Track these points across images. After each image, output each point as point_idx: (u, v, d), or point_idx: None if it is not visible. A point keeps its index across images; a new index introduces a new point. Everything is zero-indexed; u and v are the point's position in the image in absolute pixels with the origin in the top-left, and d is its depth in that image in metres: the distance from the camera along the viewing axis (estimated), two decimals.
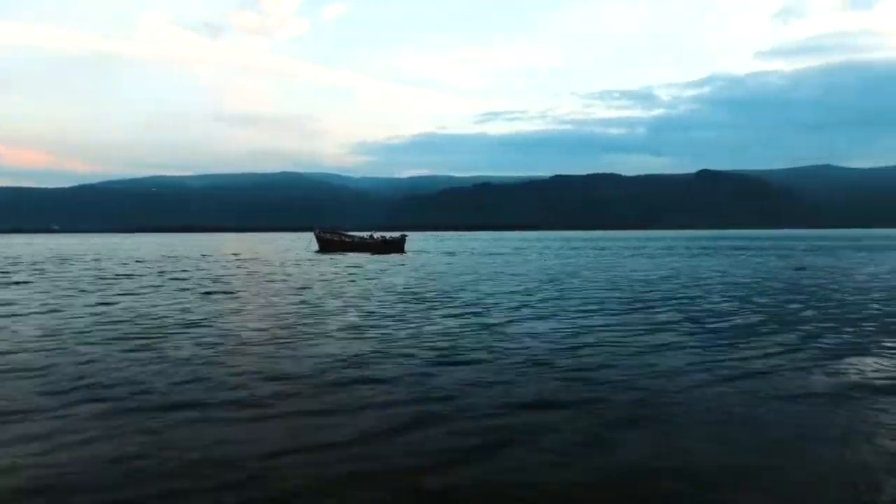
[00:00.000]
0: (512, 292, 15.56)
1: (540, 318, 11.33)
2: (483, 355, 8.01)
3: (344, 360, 7.65)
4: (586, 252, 42.05)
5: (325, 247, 42.80)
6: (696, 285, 17.57)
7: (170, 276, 21.62)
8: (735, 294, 15.21)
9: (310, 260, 32.38)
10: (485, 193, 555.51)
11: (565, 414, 5.58)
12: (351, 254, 37.27)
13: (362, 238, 42.57)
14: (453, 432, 5.09)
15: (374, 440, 4.91)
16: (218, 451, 4.65)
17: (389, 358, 7.84)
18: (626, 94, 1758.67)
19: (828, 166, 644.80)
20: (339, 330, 9.99)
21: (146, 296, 14.91)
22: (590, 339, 9.15)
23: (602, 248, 48.92)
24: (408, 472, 4.31)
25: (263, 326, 10.37)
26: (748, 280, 19.29)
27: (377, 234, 44.33)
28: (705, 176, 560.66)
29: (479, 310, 12.32)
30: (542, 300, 13.93)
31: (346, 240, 42.93)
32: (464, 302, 13.65)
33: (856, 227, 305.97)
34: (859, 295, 14.76)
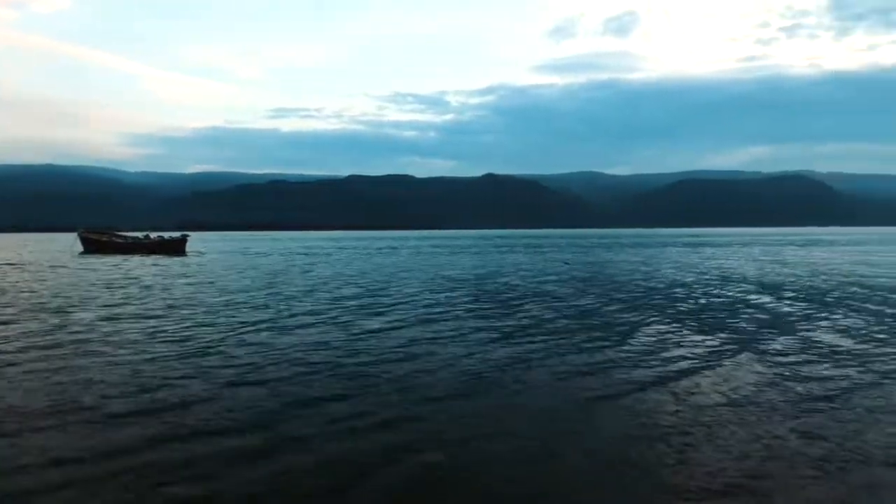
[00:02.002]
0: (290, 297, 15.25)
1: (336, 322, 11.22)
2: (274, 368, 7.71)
3: (125, 385, 6.88)
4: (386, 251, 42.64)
5: (92, 248, 38.47)
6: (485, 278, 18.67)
7: None
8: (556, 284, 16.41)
9: (66, 265, 28.82)
10: (280, 192, 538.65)
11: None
12: (122, 256, 33.90)
13: (136, 238, 38.94)
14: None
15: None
16: None
17: (185, 378, 7.23)
18: (418, 98, 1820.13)
19: (594, 172, 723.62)
20: (99, 350, 9.01)
21: None
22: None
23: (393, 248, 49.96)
24: None
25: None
26: (533, 271, 20.98)
27: (154, 234, 40.86)
28: (490, 179, 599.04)
29: (262, 315, 11.88)
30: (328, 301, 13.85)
31: (117, 240, 38.97)
32: (248, 307, 13.08)
33: (619, 227, 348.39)
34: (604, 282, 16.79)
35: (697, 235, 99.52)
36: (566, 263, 27.61)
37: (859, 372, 7.07)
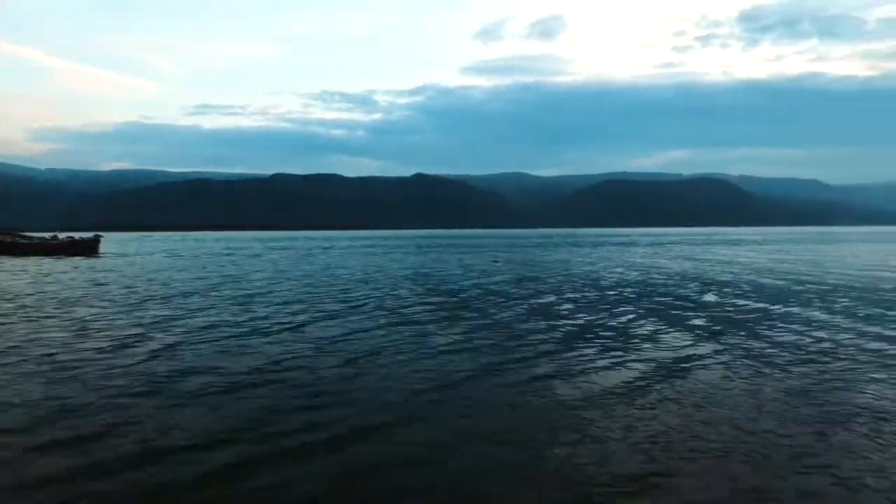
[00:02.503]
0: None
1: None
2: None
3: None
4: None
5: None
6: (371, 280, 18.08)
7: None
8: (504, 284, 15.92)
9: None
10: (203, 190, 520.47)
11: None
12: (28, 258, 31.36)
13: (43, 239, 36.23)
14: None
15: None
16: None
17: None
18: (346, 97, 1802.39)
19: (522, 173, 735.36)
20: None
21: None
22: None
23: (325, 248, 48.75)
24: None
25: None
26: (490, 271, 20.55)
27: (63, 235, 38.17)
28: (419, 179, 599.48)
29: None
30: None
31: (22, 241, 36.11)
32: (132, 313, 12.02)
33: (547, 227, 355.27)
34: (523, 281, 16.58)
35: (626, 235, 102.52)
36: (496, 262, 27.92)
37: (813, 372, 6.94)
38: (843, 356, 7.62)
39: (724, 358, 7.58)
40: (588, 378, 6.66)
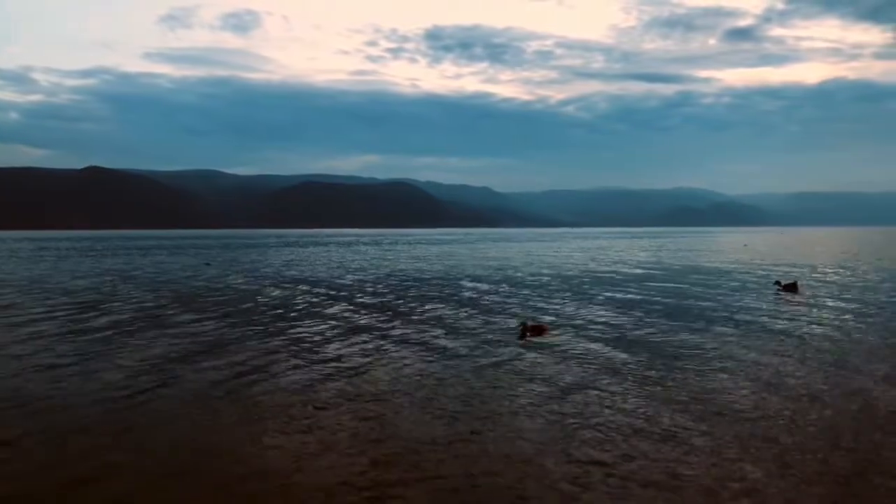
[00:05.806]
0: None
1: None
2: None
3: None
4: None
5: None
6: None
7: None
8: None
9: None
10: None
11: None
12: None
13: None
14: None
15: None
16: None
17: None
18: None
19: (215, 171, 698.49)
20: None
21: None
22: None
23: None
24: None
25: None
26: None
27: None
28: (93, 173, 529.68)
29: None
30: None
31: None
32: None
33: (245, 227, 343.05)
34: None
35: (333, 235, 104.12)
36: (208, 264, 26.92)
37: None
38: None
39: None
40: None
